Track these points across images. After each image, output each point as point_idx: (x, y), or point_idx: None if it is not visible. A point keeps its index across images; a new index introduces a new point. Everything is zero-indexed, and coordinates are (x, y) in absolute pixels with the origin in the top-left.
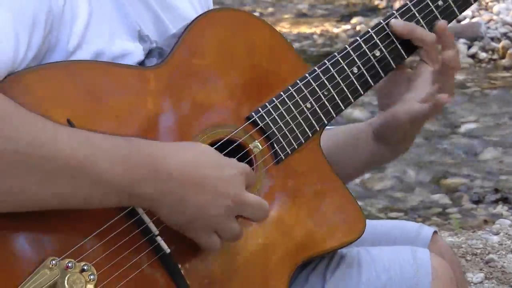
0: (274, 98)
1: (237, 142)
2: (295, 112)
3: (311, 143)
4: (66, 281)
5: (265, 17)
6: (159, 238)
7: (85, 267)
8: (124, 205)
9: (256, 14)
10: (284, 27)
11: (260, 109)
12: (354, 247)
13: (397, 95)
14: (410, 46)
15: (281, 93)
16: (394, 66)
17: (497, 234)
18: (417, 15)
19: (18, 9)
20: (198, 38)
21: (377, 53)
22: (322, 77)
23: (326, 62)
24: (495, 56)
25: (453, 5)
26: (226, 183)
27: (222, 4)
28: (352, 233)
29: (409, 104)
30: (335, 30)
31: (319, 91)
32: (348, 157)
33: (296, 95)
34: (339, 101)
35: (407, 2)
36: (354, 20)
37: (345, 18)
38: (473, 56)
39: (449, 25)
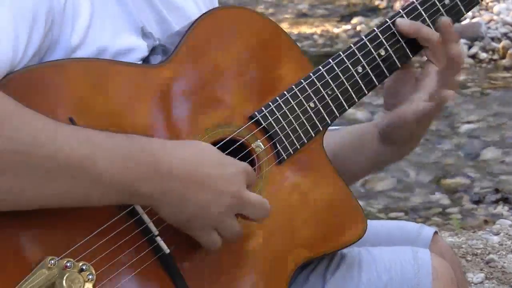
0: (277, 97)
1: (240, 142)
2: (298, 111)
3: (314, 143)
4: (64, 281)
5: None
6: (158, 238)
7: (84, 267)
8: (124, 203)
9: None
10: (284, 27)
11: (263, 108)
12: (355, 248)
13: (404, 94)
14: (415, 45)
15: (285, 92)
16: (399, 66)
17: (497, 234)
18: (423, 13)
19: (18, 5)
20: (202, 37)
21: (382, 52)
22: (326, 76)
23: (331, 61)
24: (495, 56)
25: (460, 4)
26: (227, 181)
27: (224, 3)
28: (353, 235)
29: (416, 104)
30: (336, 30)
31: (323, 91)
32: (353, 158)
33: (299, 95)
34: (343, 101)
35: (414, 1)
36: (355, 20)
37: (346, 18)
38: (473, 56)
39: None
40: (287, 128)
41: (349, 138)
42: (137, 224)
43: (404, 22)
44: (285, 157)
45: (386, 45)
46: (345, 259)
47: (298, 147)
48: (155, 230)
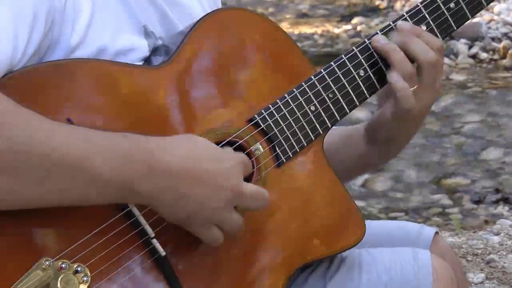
0: (278, 100)
1: (238, 143)
2: (299, 114)
3: (314, 147)
4: (59, 282)
5: None
6: (154, 241)
7: (79, 269)
8: (123, 202)
9: None
10: (285, 27)
11: (263, 110)
12: (356, 249)
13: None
14: None
15: (285, 94)
16: None
17: (497, 234)
18: (427, 17)
19: (19, 5)
20: (204, 37)
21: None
22: (328, 79)
23: (332, 64)
24: (495, 56)
25: (465, 8)
26: (225, 176)
27: (224, 4)
28: (351, 239)
29: (391, 102)
30: (336, 31)
31: (323, 94)
32: (340, 157)
33: (300, 97)
34: (344, 104)
35: (418, 4)
36: (355, 20)
37: (346, 18)
38: (473, 56)
39: None
40: (286, 131)
41: (339, 137)
42: (133, 226)
43: (378, 39)
44: (284, 160)
45: None
46: (346, 260)
47: (298, 150)
48: (151, 232)
